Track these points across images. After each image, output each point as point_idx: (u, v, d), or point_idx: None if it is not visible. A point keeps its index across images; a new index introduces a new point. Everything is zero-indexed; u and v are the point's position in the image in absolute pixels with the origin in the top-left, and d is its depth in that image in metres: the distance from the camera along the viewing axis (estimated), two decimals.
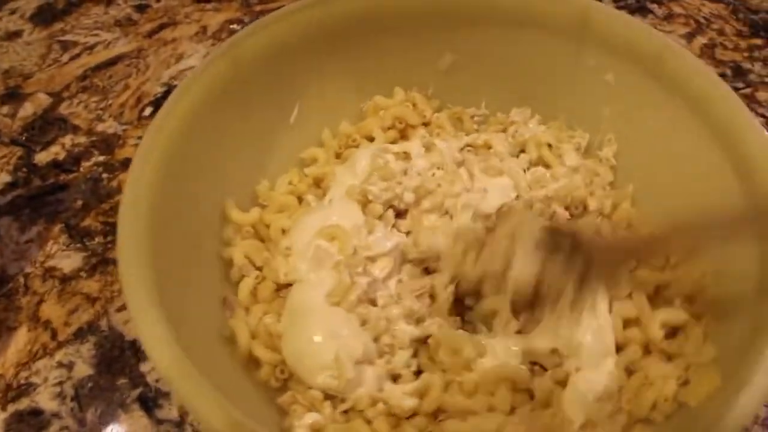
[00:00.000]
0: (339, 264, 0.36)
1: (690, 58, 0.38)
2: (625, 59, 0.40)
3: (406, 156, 0.42)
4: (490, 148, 0.44)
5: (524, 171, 0.42)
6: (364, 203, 0.39)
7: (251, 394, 0.35)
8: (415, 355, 0.36)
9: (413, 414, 0.34)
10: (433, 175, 0.41)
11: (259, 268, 0.39)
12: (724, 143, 0.36)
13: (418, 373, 0.36)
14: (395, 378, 0.36)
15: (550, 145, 0.44)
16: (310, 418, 0.33)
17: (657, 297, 0.37)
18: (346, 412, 0.34)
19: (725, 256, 0.34)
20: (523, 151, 0.44)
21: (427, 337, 0.36)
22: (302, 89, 0.43)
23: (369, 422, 0.34)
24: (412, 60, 0.45)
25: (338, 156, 0.44)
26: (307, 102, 0.43)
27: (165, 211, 0.33)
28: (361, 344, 0.34)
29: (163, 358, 0.27)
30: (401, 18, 0.43)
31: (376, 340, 0.36)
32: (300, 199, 0.42)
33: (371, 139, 0.44)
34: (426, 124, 0.45)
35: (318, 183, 0.43)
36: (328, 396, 0.34)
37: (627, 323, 0.35)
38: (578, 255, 0.34)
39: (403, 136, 0.45)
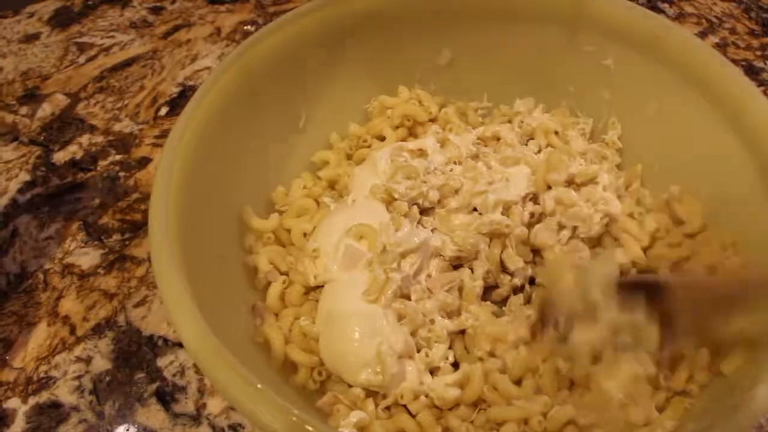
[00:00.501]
0: (371, 262, 0.36)
1: (687, 36, 0.39)
2: (623, 42, 0.41)
3: (421, 153, 0.42)
4: (499, 139, 0.44)
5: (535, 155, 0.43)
6: (389, 201, 0.40)
7: (290, 398, 0.34)
8: (449, 347, 0.37)
9: (455, 405, 0.35)
10: (451, 170, 0.42)
11: (285, 273, 0.39)
12: (728, 116, 0.36)
13: (454, 364, 0.36)
14: (433, 371, 0.36)
15: (556, 132, 0.44)
16: (355, 416, 0.33)
17: (677, 271, 0.37)
18: (389, 408, 0.34)
19: (743, 226, 0.35)
20: (531, 139, 0.45)
21: (462, 330, 0.37)
22: (308, 94, 0.43)
23: (413, 416, 0.34)
24: (413, 58, 0.45)
25: (349, 157, 0.45)
26: (314, 106, 0.44)
27: (190, 227, 0.32)
28: (401, 339, 0.35)
29: (219, 370, 0.27)
30: (401, 18, 0.43)
31: (413, 334, 0.36)
32: (317, 202, 0.42)
33: (381, 139, 0.45)
34: (432, 120, 0.46)
35: (332, 185, 0.43)
36: (370, 393, 0.34)
37: None
38: (657, 309, 0.30)
39: (412, 133, 0.45)
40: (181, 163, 0.33)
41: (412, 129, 0.45)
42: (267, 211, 0.41)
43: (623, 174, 0.43)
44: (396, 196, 0.39)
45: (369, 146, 0.44)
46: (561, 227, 0.40)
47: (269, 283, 0.38)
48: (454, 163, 0.42)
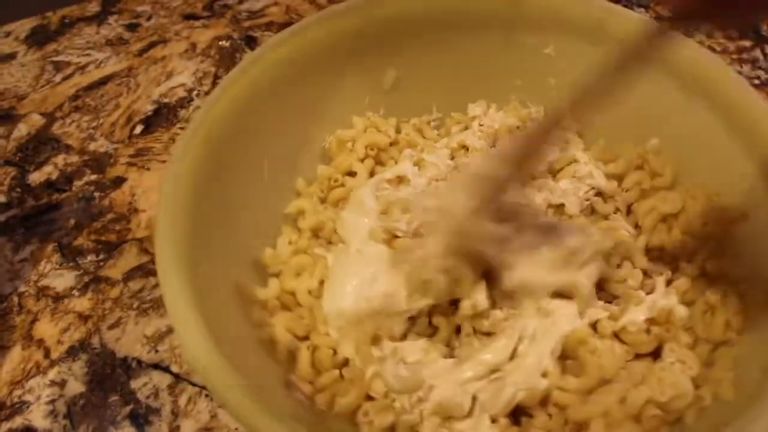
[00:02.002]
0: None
1: (626, 13, 0.41)
2: (563, 30, 0.42)
3: (401, 180, 0.42)
4: (466, 148, 0.44)
5: None
6: (389, 240, 0.39)
7: None
8: None
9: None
10: (437, 188, 0.41)
11: (305, 338, 0.37)
12: (675, 72, 0.38)
13: None
14: None
15: (518, 128, 0.45)
16: None
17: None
18: None
19: (711, 179, 0.37)
20: (496, 140, 0.45)
21: None
22: (265, 144, 0.41)
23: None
24: (359, 86, 0.45)
25: (323, 201, 0.43)
26: (273, 154, 0.41)
27: (205, 306, 0.31)
28: None
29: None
30: (345, 49, 0.42)
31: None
32: (308, 254, 0.40)
33: (352, 174, 0.43)
34: (393, 144, 0.45)
35: (316, 233, 0.41)
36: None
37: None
38: None
39: (378, 161, 0.45)
40: (180, 243, 0.32)
41: (377, 157, 0.44)
42: (261, 276, 0.39)
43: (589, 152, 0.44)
44: (399, 234, 0.38)
45: (342, 185, 0.43)
46: (548, 206, 0.41)
47: (290, 353, 0.36)
48: (436, 181, 0.42)
